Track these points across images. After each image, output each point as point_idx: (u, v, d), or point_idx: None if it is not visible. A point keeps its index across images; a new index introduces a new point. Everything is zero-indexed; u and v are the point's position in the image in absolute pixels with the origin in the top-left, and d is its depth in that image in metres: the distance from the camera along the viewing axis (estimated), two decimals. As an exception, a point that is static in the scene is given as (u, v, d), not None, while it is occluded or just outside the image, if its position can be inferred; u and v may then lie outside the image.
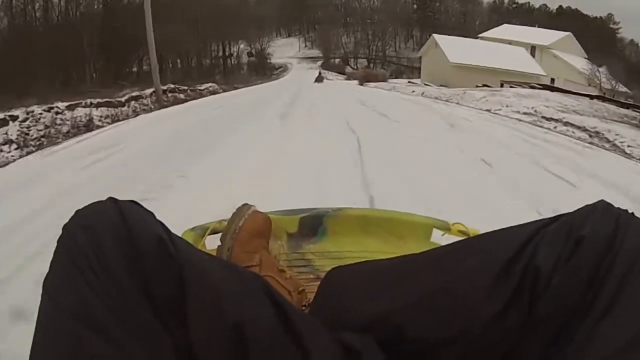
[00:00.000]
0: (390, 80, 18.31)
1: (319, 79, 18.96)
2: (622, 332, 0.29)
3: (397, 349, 0.36)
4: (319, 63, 33.48)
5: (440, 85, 13.23)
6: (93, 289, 0.30)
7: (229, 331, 0.32)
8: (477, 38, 23.10)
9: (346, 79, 23.49)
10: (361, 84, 15.18)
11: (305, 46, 42.44)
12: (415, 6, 35.15)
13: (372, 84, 14.50)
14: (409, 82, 17.28)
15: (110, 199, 0.35)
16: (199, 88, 10.15)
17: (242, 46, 31.19)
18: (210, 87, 11.12)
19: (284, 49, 40.73)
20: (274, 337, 0.33)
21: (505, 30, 23.94)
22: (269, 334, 0.33)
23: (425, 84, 15.44)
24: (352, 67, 34.12)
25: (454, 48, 17.92)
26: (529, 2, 34.69)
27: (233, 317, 0.32)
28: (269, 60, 32.88)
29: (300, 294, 0.54)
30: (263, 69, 29.39)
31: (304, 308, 0.53)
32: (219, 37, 25.82)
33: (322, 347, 0.34)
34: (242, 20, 29.65)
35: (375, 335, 0.36)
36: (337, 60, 35.07)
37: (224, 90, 11.47)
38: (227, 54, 28.68)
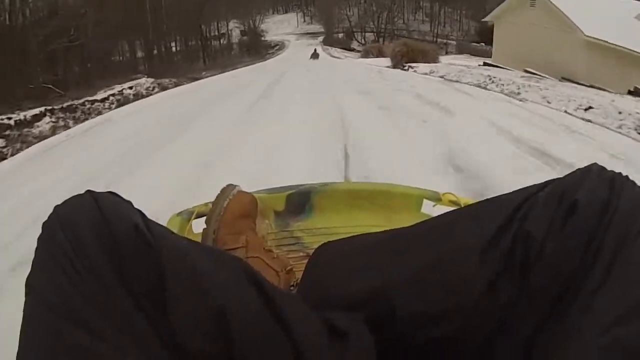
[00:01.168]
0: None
1: (315, 55, 20.35)
2: (619, 301, 0.30)
3: (388, 326, 0.38)
4: (320, 39, 33.46)
5: (562, 78, 7.66)
6: (74, 284, 0.33)
7: (212, 317, 0.34)
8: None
9: (362, 57, 19.57)
10: (399, 66, 10.20)
11: (304, 21, 42.44)
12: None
13: (421, 68, 8.79)
14: (484, 63, 10.99)
15: (88, 191, 0.38)
16: (89, 100, 6.06)
17: (234, 25, 31.24)
18: (125, 89, 7.28)
19: (281, 26, 40.79)
20: (258, 321, 0.36)
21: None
22: (253, 318, 0.35)
23: (504, 68, 9.14)
24: (358, 42, 33.87)
25: (583, 10, 8.82)
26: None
27: (215, 302, 0.35)
28: (263, 38, 33.02)
29: (288, 273, 0.60)
30: (256, 48, 29.55)
31: (292, 288, 0.59)
32: (206, 17, 25.95)
33: (308, 330, 0.37)
34: None
35: (365, 313, 0.39)
36: (340, 35, 34.79)
37: (175, 85, 8.90)
38: (213, 34, 28.67)
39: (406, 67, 9.64)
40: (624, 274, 0.31)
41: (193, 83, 9.67)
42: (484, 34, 20.96)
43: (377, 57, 17.13)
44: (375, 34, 33.35)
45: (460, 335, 0.36)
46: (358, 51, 29.72)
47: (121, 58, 16.91)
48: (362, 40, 33.59)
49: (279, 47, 32.10)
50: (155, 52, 18.27)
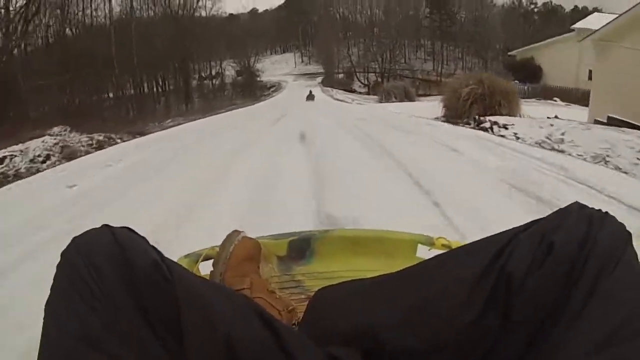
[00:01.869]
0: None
1: (310, 97, 21.09)
2: (594, 332, 0.35)
3: (379, 359, 0.45)
4: (319, 79, 34.40)
5: None
6: (94, 311, 0.38)
7: (222, 348, 0.40)
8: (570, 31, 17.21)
9: (382, 100, 17.07)
10: (464, 120, 6.52)
11: (302, 61, 44.33)
12: (427, 10, 36.62)
13: (524, 130, 4.94)
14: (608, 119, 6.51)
15: (105, 226, 0.44)
16: None
17: (229, 64, 32.49)
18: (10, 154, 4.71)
19: (279, 66, 42.65)
20: (265, 352, 0.42)
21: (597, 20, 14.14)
22: (260, 350, 0.42)
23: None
24: (361, 82, 34.67)
25: None
26: (550, 2, 35.72)
27: (225, 335, 0.41)
28: (259, 79, 34.16)
29: (290, 312, 0.69)
30: (251, 89, 30.42)
31: (294, 326, 0.67)
32: (199, 56, 27.47)
33: (310, 359, 0.43)
34: (229, 37, 31.67)
35: (359, 348, 0.46)
36: (340, 76, 35.80)
37: (98, 145, 6.34)
38: (206, 73, 30.10)
39: (485, 124, 5.66)
40: (600, 306, 0.36)
41: (130, 142, 7.15)
42: (516, 68, 20.08)
43: (402, 100, 14.94)
44: (378, 74, 34.23)
45: None
46: (360, 92, 29.84)
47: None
48: (365, 80, 34.47)
49: (275, 88, 33.03)
50: (110, 94, 17.73)
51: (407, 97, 15.85)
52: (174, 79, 24.77)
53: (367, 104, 17.24)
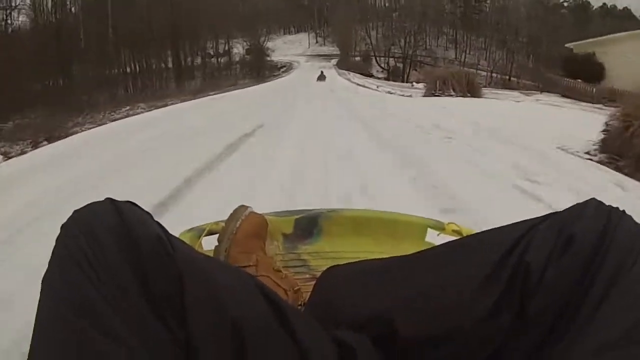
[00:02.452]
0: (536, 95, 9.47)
1: (321, 77, 22.37)
2: (611, 329, 0.37)
3: (391, 346, 0.46)
4: (334, 61, 34.23)
5: None
6: (93, 284, 0.39)
7: (227, 328, 0.41)
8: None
9: (430, 93, 11.14)
10: None
11: (317, 42, 44.27)
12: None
13: None
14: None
15: (108, 199, 0.44)
16: None
17: (238, 44, 32.68)
18: None
19: (292, 46, 42.71)
20: (271, 333, 0.42)
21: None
22: (266, 331, 0.42)
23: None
24: (381, 67, 34.22)
25: None
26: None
27: (230, 314, 0.41)
28: (269, 58, 34.28)
29: (296, 293, 0.72)
30: (260, 69, 30.59)
31: (299, 307, 0.70)
32: (207, 33, 27.84)
33: (318, 344, 0.44)
34: (239, 14, 32.20)
35: (368, 333, 0.47)
36: (357, 59, 35.46)
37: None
38: (212, 52, 30.43)
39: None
40: (618, 302, 0.38)
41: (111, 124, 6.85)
42: (573, 65, 17.61)
43: (464, 95, 10.47)
44: (399, 59, 33.79)
45: (460, 357, 0.43)
46: (379, 78, 29.24)
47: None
48: (386, 65, 34.09)
49: (285, 68, 33.06)
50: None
51: (471, 91, 11.00)
52: (159, 57, 24.65)
53: (408, 98, 11.61)
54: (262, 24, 35.36)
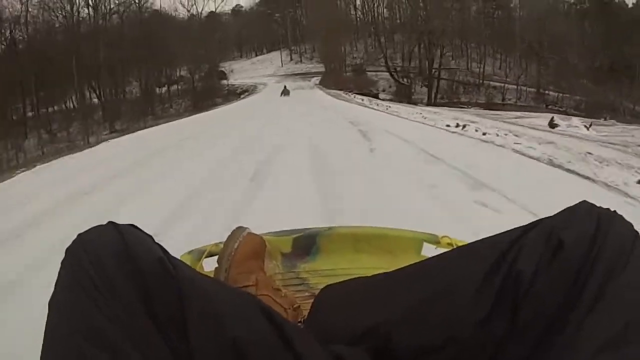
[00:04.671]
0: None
1: (285, 92, 25.20)
2: (604, 331, 0.45)
3: (387, 357, 0.57)
4: (315, 80, 34.68)
5: None
6: (98, 307, 0.49)
7: (228, 346, 0.52)
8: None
9: None
10: None
11: (291, 59, 45.64)
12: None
13: None
14: None
15: (110, 223, 0.56)
16: None
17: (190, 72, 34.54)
18: None
19: (260, 66, 44.23)
20: (271, 351, 0.53)
21: None
22: (266, 348, 0.53)
23: None
24: (398, 81, 33.57)
25: None
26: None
27: (231, 333, 0.52)
28: (227, 82, 36.24)
29: (295, 310, 0.89)
30: (210, 96, 32.18)
31: (299, 324, 0.85)
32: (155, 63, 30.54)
33: (316, 359, 0.55)
34: (198, 40, 35.22)
35: (365, 346, 0.59)
36: (347, 74, 35.51)
37: None
38: (163, 81, 32.02)
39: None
40: (609, 306, 0.47)
41: None
42: None
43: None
44: (421, 72, 33.83)
45: None
46: (389, 100, 27.76)
47: None
48: (405, 80, 33.54)
49: (248, 92, 34.11)
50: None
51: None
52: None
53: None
54: (223, 46, 37.89)
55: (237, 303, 0.58)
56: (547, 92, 30.82)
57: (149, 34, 30.11)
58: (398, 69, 36.24)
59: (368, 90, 30.76)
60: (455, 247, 0.95)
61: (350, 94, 25.90)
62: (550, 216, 0.56)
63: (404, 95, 31.38)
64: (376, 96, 28.90)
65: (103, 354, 0.47)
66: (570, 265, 0.50)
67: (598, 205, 0.56)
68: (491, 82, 33.78)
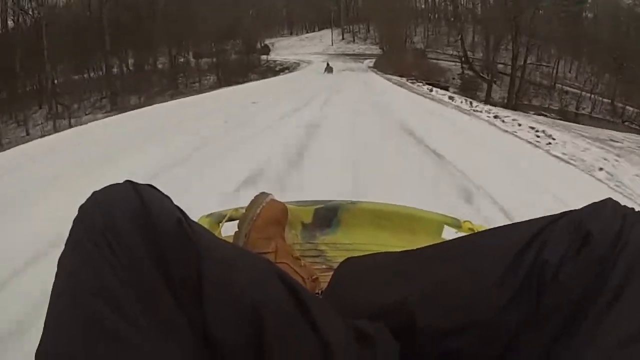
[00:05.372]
0: None
1: (328, 69, 24.46)
2: (625, 325, 0.49)
3: (409, 336, 0.60)
4: (368, 62, 34.19)
5: None
6: (110, 265, 0.50)
7: (245, 312, 0.53)
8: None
9: None
10: None
11: (343, 38, 45.59)
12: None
13: None
14: None
15: (128, 181, 0.57)
16: None
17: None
18: None
19: (309, 43, 44.30)
20: (289, 319, 0.55)
21: None
22: (284, 316, 0.55)
23: None
24: (481, 75, 31.66)
25: None
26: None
27: (249, 298, 0.54)
28: (266, 57, 36.93)
29: (314, 281, 0.96)
30: (244, 72, 32.52)
31: (317, 295, 0.90)
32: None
33: (337, 331, 0.57)
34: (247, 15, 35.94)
35: (387, 323, 0.61)
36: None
37: None
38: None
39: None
40: (632, 300, 0.50)
41: None
42: None
43: None
44: (485, 67, 32.82)
45: (476, 348, 0.57)
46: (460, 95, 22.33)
47: None
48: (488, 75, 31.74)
49: (289, 68, 33.99)
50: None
51: None
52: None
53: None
54: (272, 23, 38.20)
55: (256, 269, 0.60)
56: (623, 105, 29.28)
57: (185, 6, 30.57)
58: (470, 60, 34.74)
59: (436, 80, 27.98)
60: (475, 232, 1.00)
61: (415, 82, 21.22)
62: (578, 209, 0.60)
63: (471, 90, 28.92)
64: (446, 88, 24.91)
65: (113, 314, 0.48)
66: (596, 257, 0.53)
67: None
68: (563, 87, 32.44)
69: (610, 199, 0.59)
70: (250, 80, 27.77)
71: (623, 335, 0.48)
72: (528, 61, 31.40)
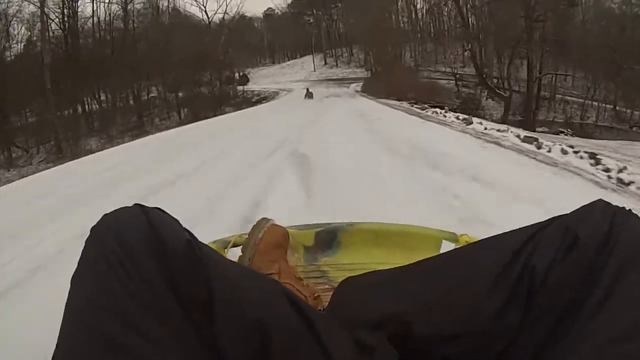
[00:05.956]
0: None
1: (308, 94, 24.65)
2: (616, 322, 0.53)
3: (407, 344, 0.66)
4: (355, 86, 34.03)
5: None
6: (123, 284, 0.55)
7: (252, 328, 0.59)
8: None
9: None
10: None
11: (326, 64, 46.11)
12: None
13: None
14: None
15: (137, 205, 0.64)
16: None
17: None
18: None
19: (290, 71, 44.77)
20: (294, 334, 0.62)
21: None
22: (289, 331, 0.62)
23: None
24: (497, 91, 29.80)
25: None
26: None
27: (256, 316, 0.60)
28: (242, 88, 37.50)
29: (316, 299, 1.05)
30: (219, 104, 32.96)
31: (320, 311, 0.94)
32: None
33: (340, 344, 0.64)
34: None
35: (385, 332, 0.68)
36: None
37: None
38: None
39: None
40: (621, 301, 0.54)
41: None
42: None
43: None
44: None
45: (472, 353, 0.63)
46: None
47: None
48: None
49: (263, 97, 34.06)
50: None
51: None
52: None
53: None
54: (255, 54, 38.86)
55: (262, 288, 0.67)
56: (625, 109, 28.91)
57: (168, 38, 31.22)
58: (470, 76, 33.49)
59: (435, 101, 23.16)
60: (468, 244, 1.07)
61: (426, 108, 16.54)
62: (566, 214, 0.65)
63: (471, 109, 26.40)
64: (442, 108, 21.60)
65: (126, 329, 0.54)
66: (584, 261, 0.58)
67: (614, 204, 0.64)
68: (563, 97, 32.21)
69: (600, 200, 0.65)
70: (224, 113, 27.30)
71: (614, 333, 0.53)
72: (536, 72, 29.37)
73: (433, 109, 15.12)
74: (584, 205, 0.65)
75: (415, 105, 17.56)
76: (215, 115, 23.62)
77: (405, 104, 18.29)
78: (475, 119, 11.05)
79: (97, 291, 0.56)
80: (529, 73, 28.66)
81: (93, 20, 28.97)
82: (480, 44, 31.79)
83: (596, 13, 31.31)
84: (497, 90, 30.22)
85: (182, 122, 24.89)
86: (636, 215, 0.63)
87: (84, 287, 0.58)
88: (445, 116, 12.50)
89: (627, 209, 0.64)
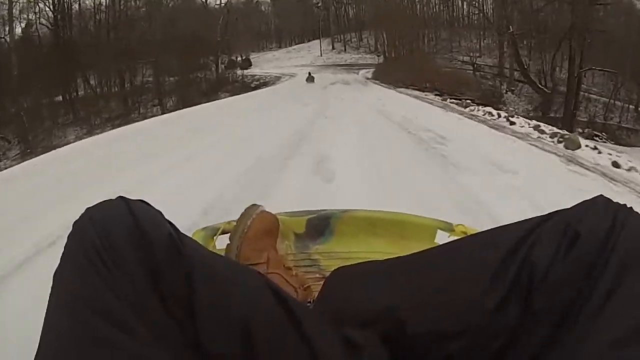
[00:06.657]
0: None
1: (310, 78, 25.75)
2: (618, 324, 0.54)
3: (400, 343, 0.67)
4: (364, 72, 33.91)
5: None
6: (104, 280, 0.58)
7: (235, 325, 0.61)
8: None
9: None
10: None
11: (333, 48, 46.13)
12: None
13: None
14: None
15: (120, 197, 0.67)
16: None
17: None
18: None
19: (296, 55, 44.97)
20: (279, 330, 0.63)
21: None
22: (274, 328, 0.63)
23: None
24: (539, 86, 29.34)
25: None
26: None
27: (239, 311, 0.62)
28: (242, 72, 37.94)
29: (305, 290, 1.07)
30: (215, 89, 33.21)
31: (309, 304, 1.01)
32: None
33: (326, 341, 0.65)
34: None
35: (376, 330, 0.68)
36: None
37: None
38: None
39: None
40: (623, 301, 0.56)
41: None
42: None
43: None
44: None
45: (469, 352, 0.64)
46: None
47: None
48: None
49: (263, 82, 34.24)
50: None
51: None
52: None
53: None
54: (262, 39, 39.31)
55: (246, 283, 0.69)
56: None
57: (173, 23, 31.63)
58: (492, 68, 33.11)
59: (459, 92, 21.25)
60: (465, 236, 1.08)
61: (447, 99, 15.50)
62: (567, 208, 0.66)
63: (493, 103, 22.77)
64: (484, 105, 16.40)
65: (108, 324, 0.56)
66: (585, 258, 0.59)
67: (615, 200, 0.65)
68: (584, 94, 31.09)
69: (601, 195, 0.66)
70: (218, 98, 26.60)
71: (616, 334, 0.54)
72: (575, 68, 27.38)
73: (476, 106, 12.88)
74: (585, 201, 0.66)
75: (450, 100, 15.21)
76: (208, 102, 22.26)
77: (431, 96, 16.30)
78: (583, 141, 7.07)
79: (79, 285, 0.59)
80: (570, 67, 27.25)
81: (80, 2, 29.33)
82: (518, 37, 31.08)
83: (615, 9, 30.86)
84: (539, 86, 29.30)
85: (167, 111, 24.38)
86: (637, 213, 0.64)
87: (66, 281, 0.61)
88: (512, 122, 9.49)
89: (629, 206, 0.65)
